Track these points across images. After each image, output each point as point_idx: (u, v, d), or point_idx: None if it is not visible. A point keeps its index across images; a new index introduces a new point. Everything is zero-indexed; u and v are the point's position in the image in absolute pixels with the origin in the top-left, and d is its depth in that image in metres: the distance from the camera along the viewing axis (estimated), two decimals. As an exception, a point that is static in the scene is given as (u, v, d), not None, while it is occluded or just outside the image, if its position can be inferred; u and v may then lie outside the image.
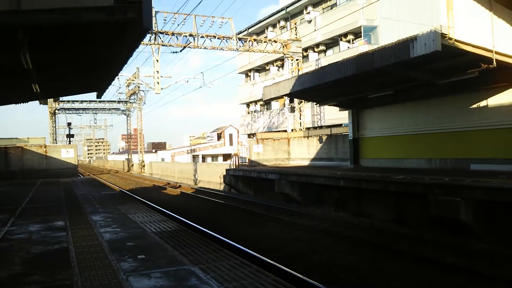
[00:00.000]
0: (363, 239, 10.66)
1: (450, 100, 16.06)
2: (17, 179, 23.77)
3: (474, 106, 15.23)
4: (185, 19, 26.09)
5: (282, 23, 41.17)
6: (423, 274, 7.88)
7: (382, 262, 8.73)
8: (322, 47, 35.65)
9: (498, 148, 14.34)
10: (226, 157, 61.07)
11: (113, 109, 56.93)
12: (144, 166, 57.12)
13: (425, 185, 11.33)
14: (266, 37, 39.62)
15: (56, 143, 49.86)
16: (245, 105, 50.08)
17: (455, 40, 11.55)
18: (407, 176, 13.06)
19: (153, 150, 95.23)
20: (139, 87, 51.16)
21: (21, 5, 6.32)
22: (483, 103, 14.96)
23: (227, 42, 27.98)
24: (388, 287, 7.30)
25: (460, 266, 8.08)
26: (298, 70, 30.53)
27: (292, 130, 31.13)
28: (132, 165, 60.32)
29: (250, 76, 48.86)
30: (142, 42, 21.48)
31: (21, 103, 19.30)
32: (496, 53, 12.31)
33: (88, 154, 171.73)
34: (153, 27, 25.32)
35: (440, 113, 16.53)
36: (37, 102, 28.24)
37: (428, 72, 14.43)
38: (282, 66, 39.27)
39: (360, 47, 28.75)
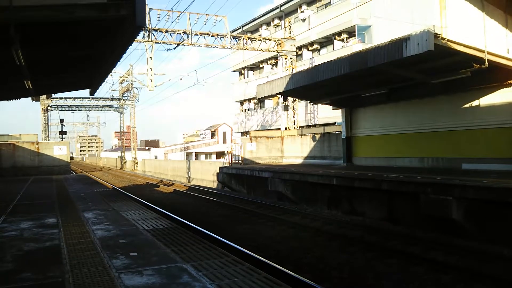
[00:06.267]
0: (355, 237, 10.71)
1: (443, 100, 16.16)
2: (9, 176, 23.58)
3: (467, 105, 15.34)
4: (179, 16, 26.04)
5: (277, 21, 41.15)
6: (415, 272, 7.94)
7: (374, 260, 8.78)
8: (316, 46, 35.68)
9: (490, 147, 14.46)
10: (220, 155, 61.05)
11: (106, 106, 56.73)
12: (137, 163, 56.94)
13: (417, 184, 11.41)
14: (260, 35, 39.58)
15: (48, 140, 49.56)
16: (239, 103, 50.04)
17: (448, 40, 11.61)
18: (400, 175, 13.14)
19: (146, 148, 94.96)
20: (132, 84, 50.99)
21: (13, 1, 6.27)
22: (475, 103, 15.07)
23: (221, 40, 27.94)
24: (379, 285, 7.35)
25: (451, 264, 8.15)
26: (292, 68, 30.55)
27: (285, 129, 31.16)
28: (125, 162, 60.12)
29: (244, 74, 48.82)
30: (135, 40, 21.39)
31: (13, 100, 19.13)
32: (488, 53, 12.40)
33: (80, 151, 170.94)
34: (147, 25, 25.25)
35: (433, 112, 16.63)
36: (29, 98, 28.02)
37: (421, 71, 14.51)
38: (276, 64, 39.31)
39: (354, 46, 28.80)
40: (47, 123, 51.11)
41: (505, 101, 14.11)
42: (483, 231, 10.17)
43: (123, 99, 55.13)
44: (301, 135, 27.42)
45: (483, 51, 12.36)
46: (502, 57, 13.00)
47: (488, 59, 12.36)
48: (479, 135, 14.85)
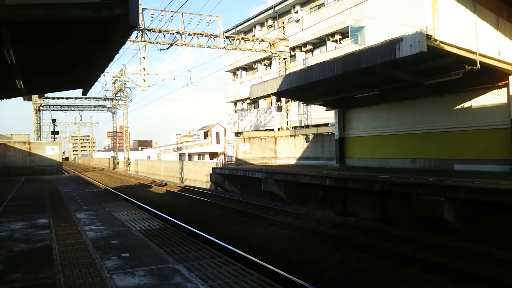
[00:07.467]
0: (348, 238, 10.73)
1: (435, 101, 16.26)
2: (0, 176, 23.39)
3: (459, 107, 15.44)
4: (172, 16, 25.95)
5: (270, 22, 41.18)
6: (407, 272, 7.97)
7: (366, 261, 8.81)
8: (309, 47, 35.75)
9: (482, 148, 14.56)
10: (213, 155, 60.90)
11: (99, 106, 56.46)
12: (130, 164, 56.69)
13: (409, 184, 11.45)
14: (254, 35, 39.59)
15: (40, 140, 49.23)
16: (233, 103, 50.01)
17: (440, 42, 11.69)
18: (392, 176, 13.19)
19: (139, 148, 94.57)
20: (125, 84, 50.75)
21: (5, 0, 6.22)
22: (467, 104, 15.18)
23: (214, 40, 27.89)
24: (372, 285, 7.37)
25: (443, 265, 8.19)
26: (286, 69, 30.58)
27: (279, 129, 31.19)
28: (118, 162, 59.83)
29: (237, 74, 48.80)
30: (128, 39, 21.30)
31: (5, 99, 18.97)
32: (480, 55, 12.50)
33: (73, 151, 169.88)
34: (140, 24, 25.16)
35: (425, 113, 16.72)
36: (21, 98, 27.82)
37: (414, 72, 14.58)
38: (270, 65, 39.32)
39: (347, 47, 28.89)
40: (39, 123, 50.78)
41: (496, 102, 14.22)
42: (475, 232, 10.23)
43: (116, 99, 54.88)
44: (295, 136, 27.46)
45: (475, 53, 12.46)
46: (493, 58, 13.10)
47: (479, 61, 12.46)
48: (471, 136, 14.95)
